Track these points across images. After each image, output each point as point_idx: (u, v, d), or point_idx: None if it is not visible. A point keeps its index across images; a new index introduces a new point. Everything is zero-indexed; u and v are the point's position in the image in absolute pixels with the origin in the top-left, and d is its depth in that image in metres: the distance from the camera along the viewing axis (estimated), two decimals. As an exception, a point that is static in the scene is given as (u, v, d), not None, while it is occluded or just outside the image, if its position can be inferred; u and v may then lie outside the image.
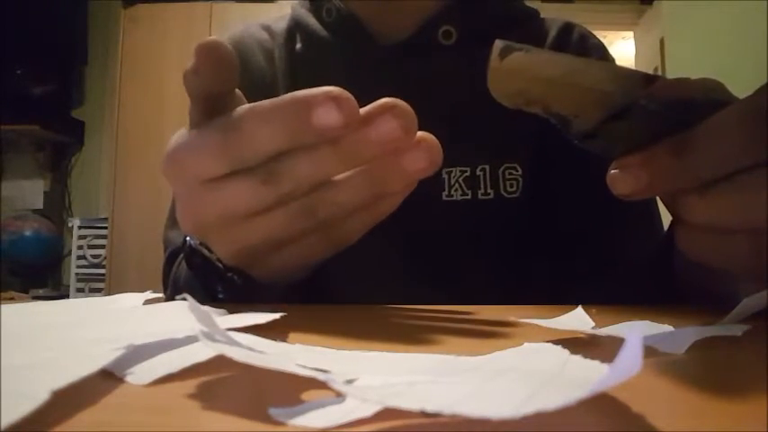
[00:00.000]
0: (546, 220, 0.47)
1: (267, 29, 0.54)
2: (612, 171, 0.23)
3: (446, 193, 0.46)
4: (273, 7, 2.23)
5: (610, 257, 0.46)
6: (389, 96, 0.25)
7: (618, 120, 0.23)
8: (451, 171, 0.46)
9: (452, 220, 0.46)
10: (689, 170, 0.22)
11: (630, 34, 2.93)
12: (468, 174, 0.46)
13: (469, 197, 0.46)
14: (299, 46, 0.51)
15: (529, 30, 0.52)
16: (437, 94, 0.45)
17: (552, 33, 0.52)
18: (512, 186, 0.46)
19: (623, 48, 3.11)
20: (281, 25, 0.54)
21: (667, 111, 0.22)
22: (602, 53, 0.54)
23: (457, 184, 0.46)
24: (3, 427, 0.09)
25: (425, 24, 0.48)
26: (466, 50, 0.46)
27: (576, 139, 0.25)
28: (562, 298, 0.30)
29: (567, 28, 0.53)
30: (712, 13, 2.14)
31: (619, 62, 0.55)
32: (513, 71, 0.22)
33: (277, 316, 0.20)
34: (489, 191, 0.46)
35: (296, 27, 0.52)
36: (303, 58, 0.50)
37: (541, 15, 0.54)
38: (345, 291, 0.40)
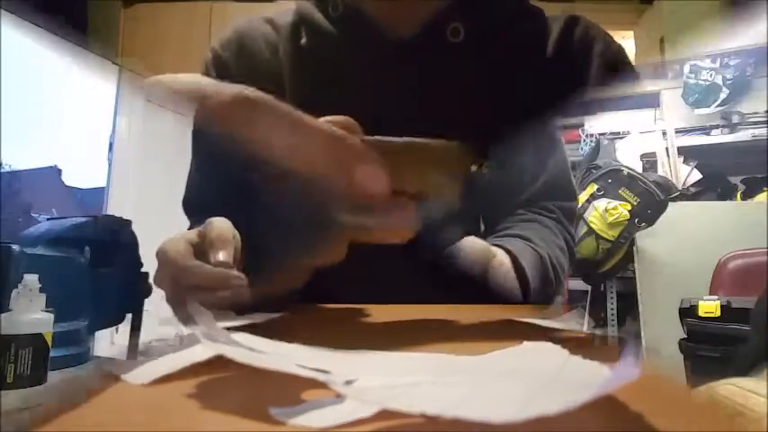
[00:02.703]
0: None
1: (270, 22, 0.54)
2: None
3: None
4: (274, 7, 2.23)
5: None
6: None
7: None
8: None
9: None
10: None
11: (630, 34, 2.93)
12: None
13: None
14: (304, 40, 0.51)
15: (533, 26, 0.52)
16: (443, 91, 0.45)
17: (556, 28, 0.52)
18: None
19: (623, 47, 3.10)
20: (285, 19, 0.53)
21: None
22: (606, 42, 0.54)
23: None
24: None
25: (434, 21, 0.47)
26: (472, 48, 0.46)
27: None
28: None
29: (572, 22, 0.53)
30: (712, 13, 2.14)
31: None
32: None
33: (276, 315, 0.20)
34: None
35: (301, 21, 0.52)
36: (309, 53, 0.50)
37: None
38: (344, 291, 0.40)
